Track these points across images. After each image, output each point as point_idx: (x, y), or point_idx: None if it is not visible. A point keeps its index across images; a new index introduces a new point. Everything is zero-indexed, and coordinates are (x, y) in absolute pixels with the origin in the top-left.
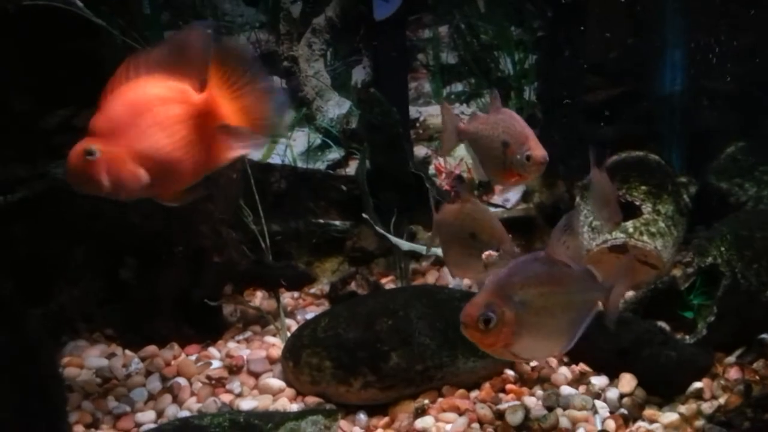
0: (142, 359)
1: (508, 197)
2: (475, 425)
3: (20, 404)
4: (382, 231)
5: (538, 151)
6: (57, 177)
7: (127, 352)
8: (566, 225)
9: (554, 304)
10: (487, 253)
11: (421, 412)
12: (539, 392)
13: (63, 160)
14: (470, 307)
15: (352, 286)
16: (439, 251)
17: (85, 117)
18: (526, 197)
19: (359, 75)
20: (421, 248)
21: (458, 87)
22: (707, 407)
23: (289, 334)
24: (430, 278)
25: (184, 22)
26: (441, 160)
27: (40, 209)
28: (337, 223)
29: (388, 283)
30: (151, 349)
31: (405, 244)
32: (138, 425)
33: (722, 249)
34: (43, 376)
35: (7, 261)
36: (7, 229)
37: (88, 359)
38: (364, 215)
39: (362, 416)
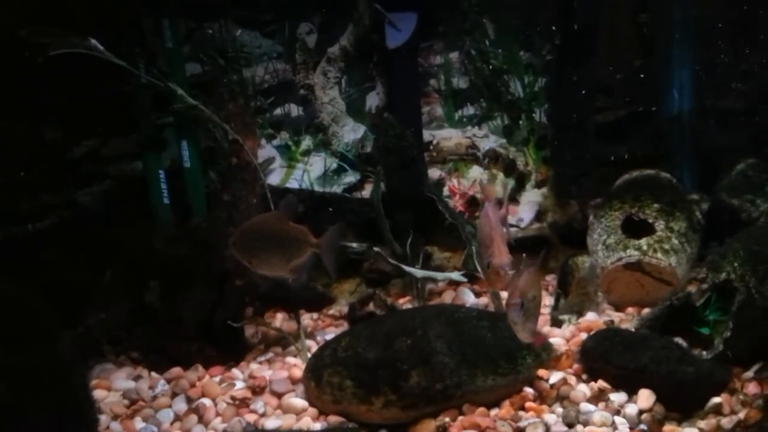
0: (168, 381)
1: (522, 217)
2: None
3: (55, 423)
4: (395, 261)
5: (498, 260)
6: (85, 204)
7: (153, 374)
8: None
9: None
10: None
11: (442, 430)
12: (559, 409)
13: (89, 188)
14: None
15: (370, 307)
16: (453, 275)
17: (111, 146)
18: (539, 217)
19: (373, 101)
20: (436, 274)
21: (470, 110)
22: (727, 422)
23: (309, 355)
24: (447, 298)
25: (206, 55)
26: (455, 181)
27: (68, 235)
28: (354, 245)
29: (406, 303)
30: (176, 371)
31: (419, 272)
32: None
33: (735, 265)
34: (77, 395)
35: (38, 285)
36: (36, 254)
37: (115, 381)
38: (375, 249)
39: None
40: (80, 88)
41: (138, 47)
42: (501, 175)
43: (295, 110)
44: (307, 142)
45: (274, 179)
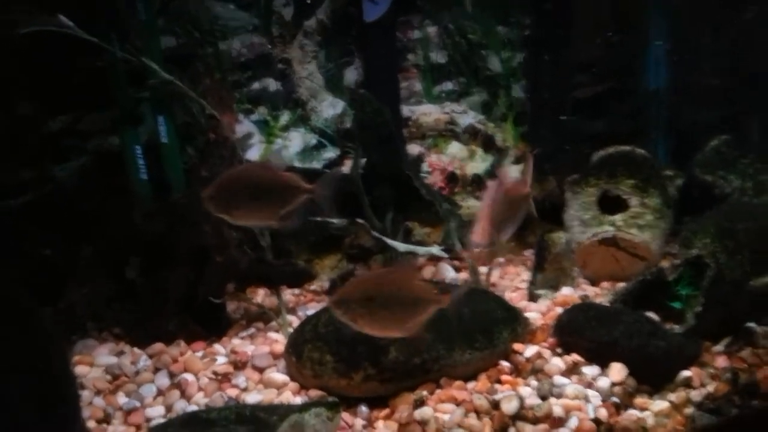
0: (150, 356)
1: None
2: (472, 415)
3: (34, 401)
4: (378, 234)
5: (473, 236)
6: (62, 179)
7: (136, 349)
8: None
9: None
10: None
11: (420, 403)
12: (533, 382)
13: (67, 163)
14: None
15: None
16: (434, 249)
17: (87, 121)
18: None
19: (352, 76)
20: (417, 248)
21: (448, 86)
22: (696, 395)
23: (291, 330)
24: (427, 273)
25: (181, 28)
26: (434, 157)
27: (46, 211)
28: (335, 220)
29: None
30: (159, 346)
31: (401, 246)
32: (148, 420)
33: (706, 241)
34: (56, 372)
35: (15, 261)
36: (15, 230)
37: (97, 357)
38: (358, 220)
39: (364, 408)
40: (54, 63)
41: (111, 20)
42: (480, 151)
43: (273, 85)
44: (285, 117)
45: (252, 155)
